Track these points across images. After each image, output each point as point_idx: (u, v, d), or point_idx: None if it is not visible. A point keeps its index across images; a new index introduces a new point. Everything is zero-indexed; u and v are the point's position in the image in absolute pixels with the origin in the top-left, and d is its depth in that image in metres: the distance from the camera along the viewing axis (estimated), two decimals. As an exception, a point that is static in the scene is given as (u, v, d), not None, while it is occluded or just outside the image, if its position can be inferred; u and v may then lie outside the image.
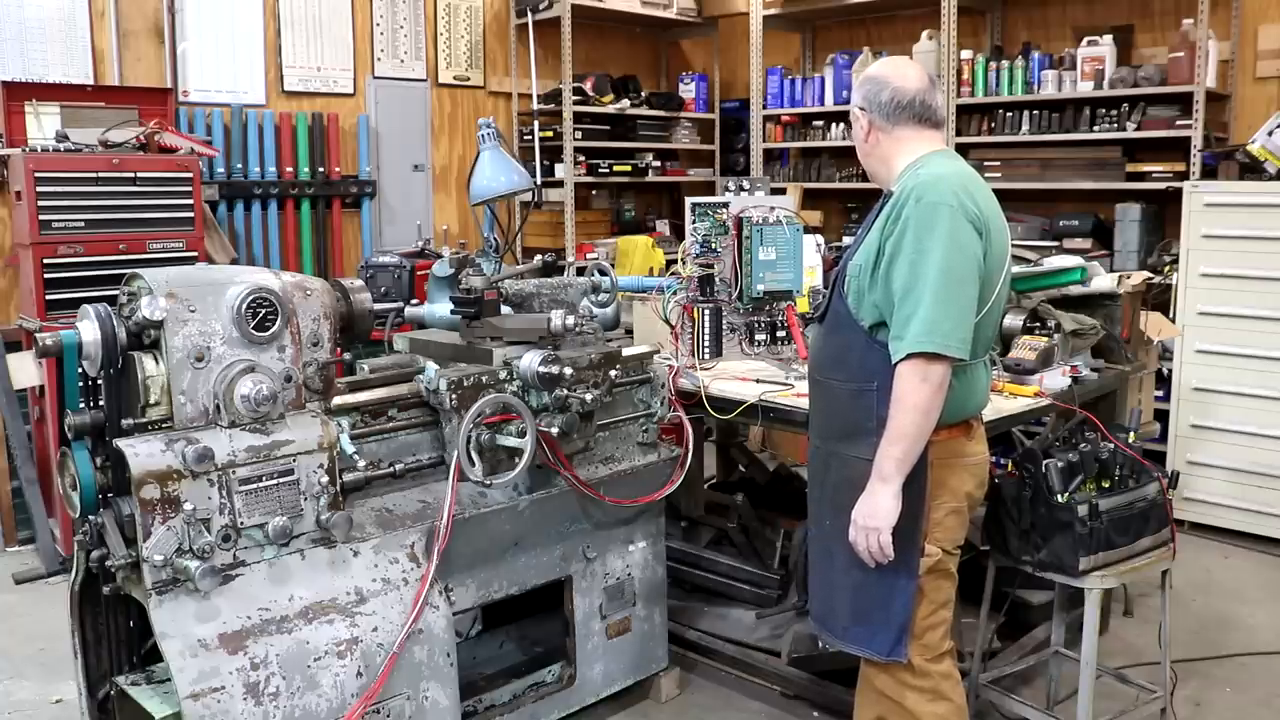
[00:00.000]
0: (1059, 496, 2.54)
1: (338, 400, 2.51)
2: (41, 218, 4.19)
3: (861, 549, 2.20)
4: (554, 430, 2.67)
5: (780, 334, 3.33)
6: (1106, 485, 2.63)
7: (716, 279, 3.31)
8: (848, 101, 2.36)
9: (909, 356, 2.10)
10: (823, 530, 2.37)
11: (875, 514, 2.16)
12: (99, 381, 2.25)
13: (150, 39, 5.22)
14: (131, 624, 2.47)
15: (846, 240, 5.19)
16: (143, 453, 2.12)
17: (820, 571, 2.41)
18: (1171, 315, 4.58)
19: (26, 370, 4.45)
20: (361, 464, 2.47)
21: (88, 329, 2.23)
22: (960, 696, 2.34)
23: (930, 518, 2.25)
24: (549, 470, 2.79)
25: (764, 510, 3.79)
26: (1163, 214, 5.25)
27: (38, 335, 2.36)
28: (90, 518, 2.26)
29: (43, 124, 4.61)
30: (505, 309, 2.99)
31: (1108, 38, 5.35)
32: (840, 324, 2.30)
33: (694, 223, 3.35)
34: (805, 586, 3.22)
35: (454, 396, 2.57)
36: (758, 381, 3.08)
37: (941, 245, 2.12)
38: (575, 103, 6.36)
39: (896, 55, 2.47)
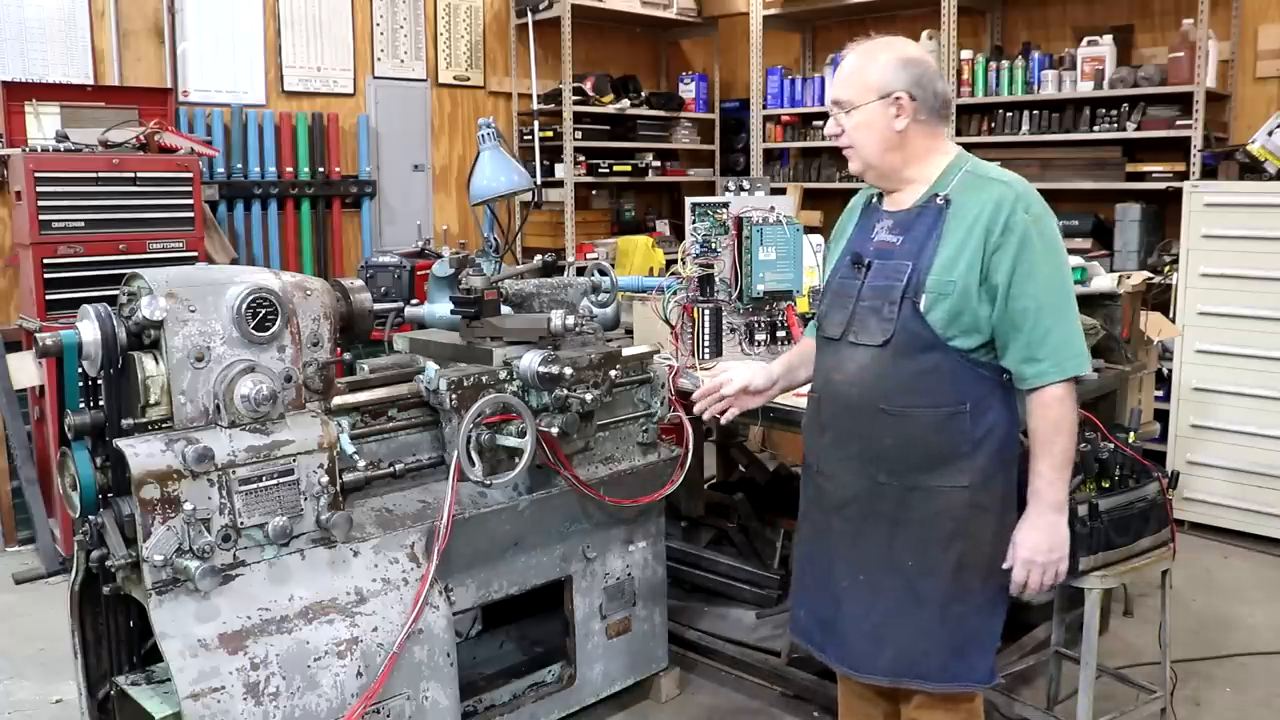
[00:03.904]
0: (1059, 496, 2.54)
1: (338, 400, 2.51)
2: (41, 218, 4.18)
3: (1034, 584, 2.11)
4: (554, 430, 2.67)
5: (780, 334, 3.33)
6: (1106, 485, 2.63)
7: (716, 279, 3.31)
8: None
9: (1060, 381, 2.03)
10: (902, 573, 2.16)
11: (1059, 545, 2.09)
12: (99, 381, 2.25)
13: (150, 39, 5.22)
14: (131, 624, 2.47)
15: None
16: (143, 453, 2.12)
17: (901, 616, 2.17)
18: (1171, 315, 4.58)
19: (26, 370, 4.45)
20: (361, 464, 2.46)
21: (88, 329, 2.23)
22: (980, 711, 2.30)
23: None
24: (549, 470, 2.79)
25: (764, 510, 3.78)
26: (1163, 214, 5.25)
27: (38, 335, 2.36)
28: (90, 518, 2.26)
29: (43, 124, 4.61)
30: (505, 309, 2.98)
31: (1108, 38, 5.35)
32: (921, 346, 2.08)
33: (694, 223, 3.34)
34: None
35: (454, 396, 2.57)
36: (758, 381, 3.07)
37: (1062, 260, 2.07)
38: (575, 103, 6.36)
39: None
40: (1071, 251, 4.39)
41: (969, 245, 2.04)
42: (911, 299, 2.07)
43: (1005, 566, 2.13)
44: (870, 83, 2.13)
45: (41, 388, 4.41)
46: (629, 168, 6.83)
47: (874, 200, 2.29)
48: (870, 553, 2.18)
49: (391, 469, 2.55)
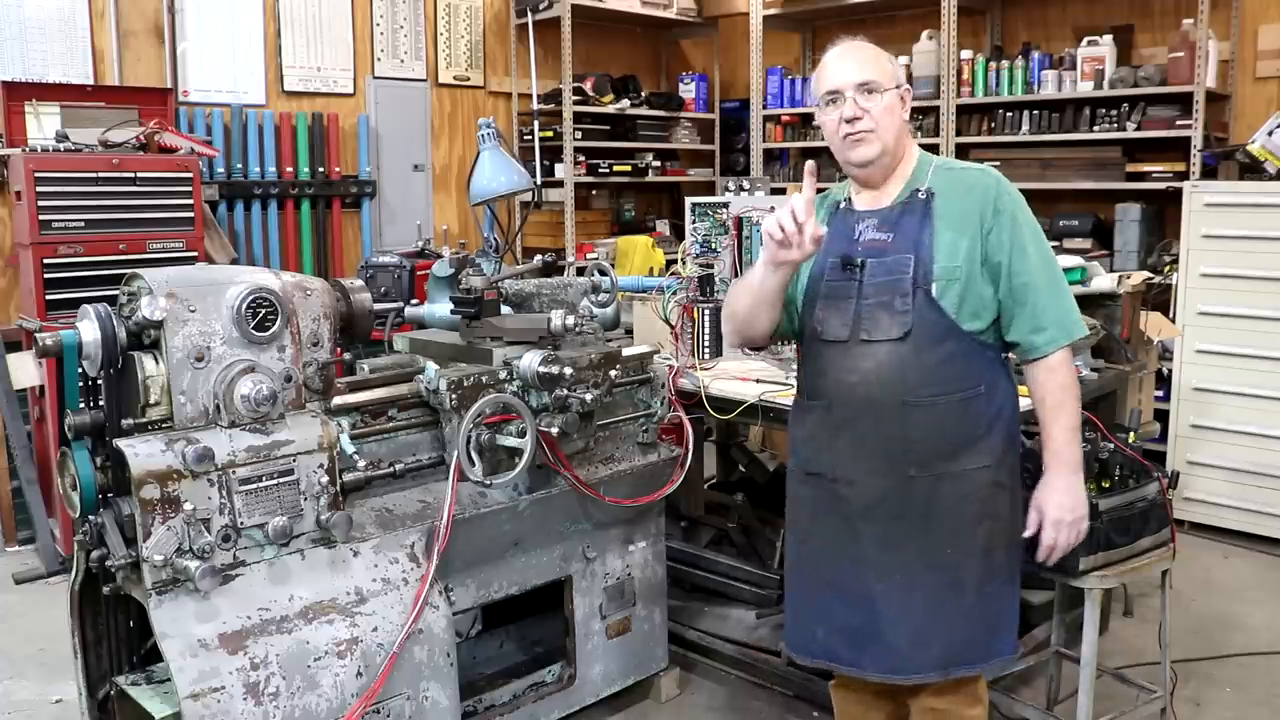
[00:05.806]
0: (1059, 496, 2.54)
1: (338, 400, 2.51)
2: (41, 218, 4.18)
3: (1064, 543, 2.21)
4: (554, 430, 2.67)
5: (780, 334, 3.33)
6: (1106, 485, 2.63)
7: (716, 279, 3.31)
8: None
9: (1065, 345, 2.16)
10: (941, 563, 2.17)
11: (1081, 503, 2.20)
12: (99, 381, 2.25)
13: (150, 39, 5.22)
14: (131, 624, 2.47)
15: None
16: (143, 453, 2.12)
17: (944, 607, 2.18)
18: (1171, 315, 4.58)
19: (26, 370, 4.45)
20: (361, 464, 2.46)
21: (88, 329, 2.23)
22: (986, 697, 2.36)
23: None
24: (549, 470, 2.79)
25: (764, 510, 3.78)
26: (1163, 214, 5.25)
27: (38, 335, 2.35)
28: (90, 518, 2.26)
29: (43, 124, 4.61)
30: (505, 309, 2.99)
31: (1108, 38, 5.35)
32: (940, 334, 2.13)
33: (694, 223, 3.35)
34: None
35: (454, 396, 2.57)
36: (758, 381, 3.08)
37: (1043, 235, 2.20)
38: (575, 103, 6.36)
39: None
40: (1071, 251, 4.45)
41: (966, 231, 2.14)
42: (923, 288, 2.13)
43: (1028, 534, 2.22)
44: (891, 71, 2.22)
45: (41, 388, 4.41)
46: (629, 168, 6.83)
47: (842, 204, 2.30)
48: (905, 551, 2.18)
49: (391, 469, 2.55)
